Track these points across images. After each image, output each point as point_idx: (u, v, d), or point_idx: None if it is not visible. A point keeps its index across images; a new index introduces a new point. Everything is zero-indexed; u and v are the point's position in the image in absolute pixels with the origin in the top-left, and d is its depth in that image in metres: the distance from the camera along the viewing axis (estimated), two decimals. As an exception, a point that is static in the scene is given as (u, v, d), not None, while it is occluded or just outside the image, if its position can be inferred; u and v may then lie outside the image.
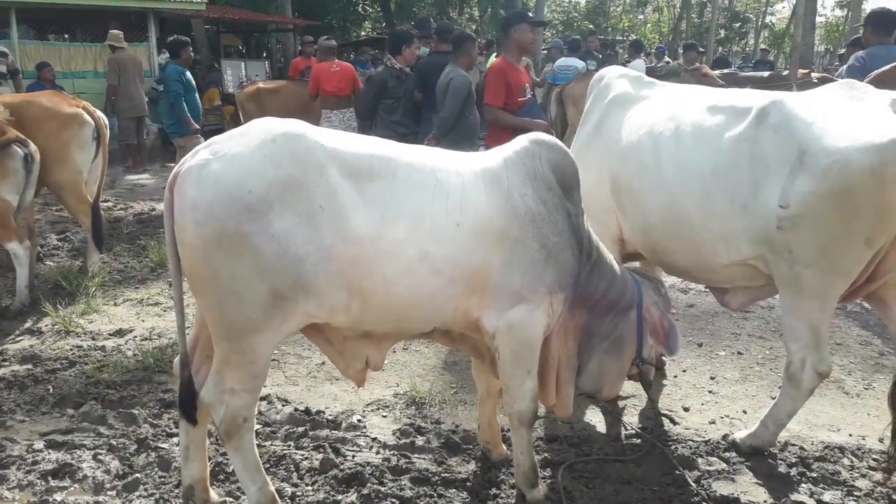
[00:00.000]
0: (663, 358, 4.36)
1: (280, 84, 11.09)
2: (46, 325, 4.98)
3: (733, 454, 3.39)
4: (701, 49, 17.66)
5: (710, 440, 3.53)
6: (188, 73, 8.83)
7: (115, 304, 5.49)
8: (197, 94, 9.14)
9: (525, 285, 2.71)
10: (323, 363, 4.35)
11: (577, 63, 11.28)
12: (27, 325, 5.03)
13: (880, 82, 4.24)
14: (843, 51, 12.91)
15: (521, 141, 2.88)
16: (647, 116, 3.56)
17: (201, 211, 2.36)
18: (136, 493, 3.04)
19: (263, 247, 2.37)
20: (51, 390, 3.97)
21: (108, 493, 3.06)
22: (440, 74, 6.20)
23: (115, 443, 3.41)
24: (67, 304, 5.31)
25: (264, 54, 19.80)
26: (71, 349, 4.57)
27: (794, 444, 3.49)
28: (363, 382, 2.92)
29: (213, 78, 14.66)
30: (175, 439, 3.39)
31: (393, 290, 2.55)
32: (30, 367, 4.31)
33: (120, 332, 4.90)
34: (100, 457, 3.29)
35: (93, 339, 4.78)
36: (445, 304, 2.68)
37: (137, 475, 3.15)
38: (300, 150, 2.45)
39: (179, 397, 2.72)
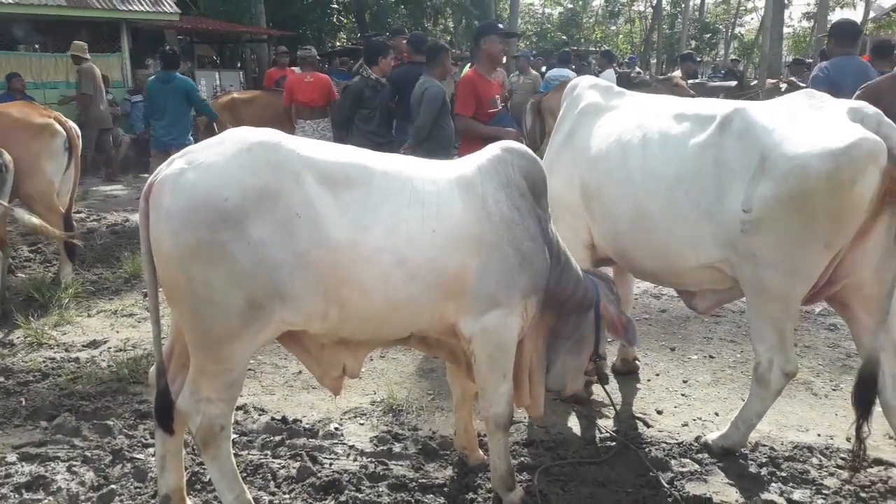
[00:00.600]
0: (636, 362, 4.43)
1: (254, 94, 11.07)
2: (18, 338, 4.93)
3: (705, 455, 3.45)
4: (698, 59, 17.89)
5: (682, 442, 3.59)
6: None
7: (89, 316, 5.44)
8: None
9: (500, 290, 2.76)
10: (300, 372, 4.35)
11: (570, 74, 11.45)
12: (0, 337, 4.97)
13: (876, 93, 4.30)
14: (790, 60, 13.29)
15: (492, 149, 2.94)
16: (616, 125, 3.66)
17: (177, 220, 2.37)
18: (112, 505, 3.03)
19: (240, 255, 2.39)
20: (23, 403, 3.93)
21: (84, 504, 3.04)
22: (414, 84, 6.25)
23: (89, 454, 3.39)
24: (40, 315, 5.26)
25: (238, 64, 19.73)
26: (44, 361, 4.53)
27: (764, 445, 3.56)
28: (339, 390, 2.94)
29: (187, 88, 14.56)
30: (151, 450, 3.37)
31: (370, 297, 2.58)
32: (1, 379, 4.26)
33: (94, 344, 4.86)
34: (74, 469, 3.27)
35: (66, 350, 4.74)
36: (422, 309, 2.72)
37: (113, 486, 3.13)
38: (276, 158, 2.47)
39: (156, 407, 2.71)
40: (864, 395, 3.06)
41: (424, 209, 2.64)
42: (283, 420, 3.74)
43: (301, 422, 3.74)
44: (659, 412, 3.95)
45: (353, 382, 4.24)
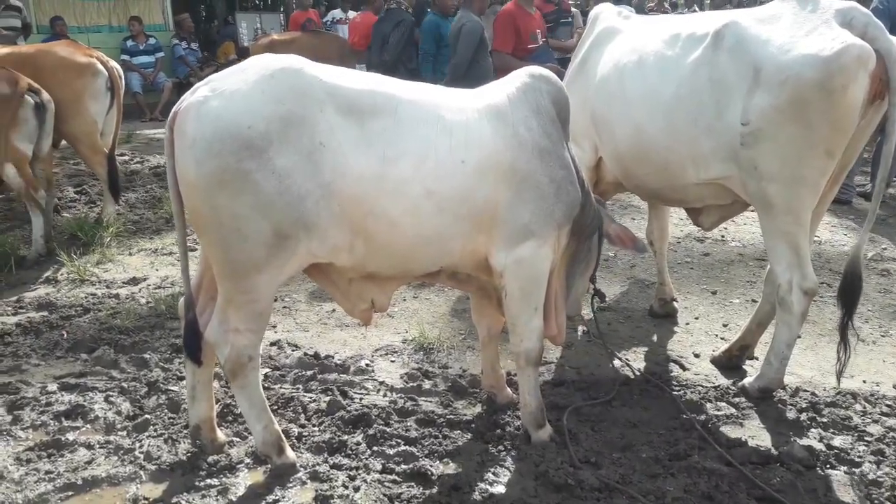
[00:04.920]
0: (674, 304, 4.32)
1: (294, 35, 10.89)
2: (62, 275, 5.04)
3: (743, 399, 3.36)
4: None
5: (719, 386, 3.49)
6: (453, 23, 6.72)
7: (130, 254, 5.53)
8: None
9: (534, 220, 2.69)
10: (333, 310, 4.36)
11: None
12: (45, 274, 5.08)
13: None
14: None
15: (520, 76, 2.84)
16: (617, 49, 3.67)
17: (201, 148, 2.33)
18: (146, 434, 3.08)
19: (264, 184, 2.35)
20: (65, 336, 4.02)
21: (119, 432, 3.11)
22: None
23: (126, 386, 3.46)
24: (83, 254, 5.36)
25: (281, 7, 19.48)
26: (85, 297, 4.63)
27: (805, 390, 3.45)
28: (370, 320, 2.93)
29: (228, 31, 14.52)
30: (184, 382, 3.41)
31: (397, 230, 2.53)
32: (45, 313, 4.36)
33: (134, 281, 4.94)
34: (111, 399, 3.34)
35: (107, 287, 4.83)
36: (452, 242, 2.66)
37: (147, 416, 3.18)
38: (300, 85, 2.41)
39: (184, 338, 2.73)
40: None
41: (453, 139, 2.56)
42: (316, 356, 3.76)
43: (333, 358, 3.75)
44: (696, 355, 3.85)
45: (385, 321, 4.24)
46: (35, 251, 5.28)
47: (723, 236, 5.74)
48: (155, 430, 3.11)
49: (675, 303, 4.32)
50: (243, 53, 13.39)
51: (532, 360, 2.90)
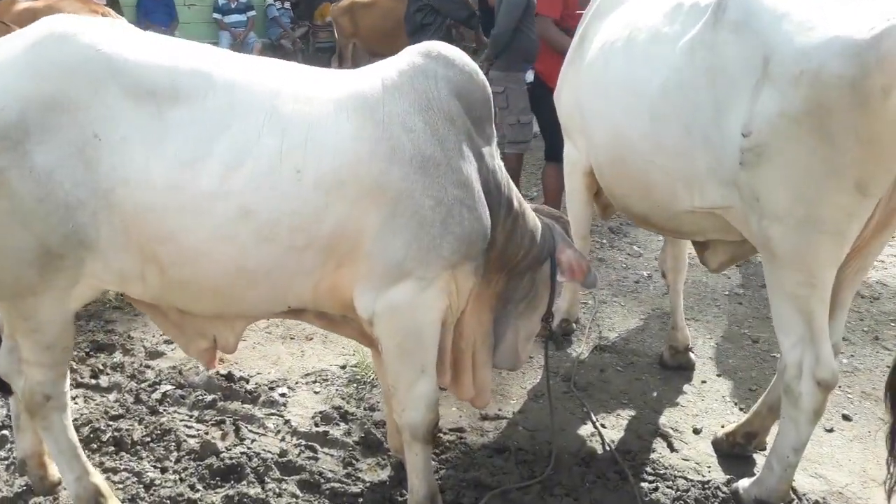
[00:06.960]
0: (690, 355, 3.42)
1: (376, -2, 10.35)
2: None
3: (732, 509, 2.50)
4: None
5: (708, 482, 2.63)
6: None
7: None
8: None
9: (411, 256, 1.98)
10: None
11: None
12: None
13: None
14: None
15: (409, 55, 2.10)
16: (612, 25, 2.77)
17: None
18: (-1, 452, 2.68)
19: (20, 186, 1.80)
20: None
21: (-26, 447, 2.72)
22: None
23: (13, 388, 3.07)
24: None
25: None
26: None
27: (828, 505, 2.54)
28: (213, 362, 2.34)
29: (328, -9, 14.16)
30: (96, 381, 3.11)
31: (202, 261, 1.90)
32: None
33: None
34: (-10, 401, 2.97)
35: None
36: (294, 281, 2.00)
37: (5, 432, 2.77)
38: (70, 57, 1.82)
39: (-13, 363, 2.25)
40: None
41: (286, 139, 1.88)
42: (229, 376, 3.20)
43: (247, 382, 3.18)
44: (696, 431, 2.96)
45: (335, 336, 3.63)
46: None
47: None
48: (9, 451, 2.69)
49: (690, 353, 3.41)
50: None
51: (420, 436, 2.20)
